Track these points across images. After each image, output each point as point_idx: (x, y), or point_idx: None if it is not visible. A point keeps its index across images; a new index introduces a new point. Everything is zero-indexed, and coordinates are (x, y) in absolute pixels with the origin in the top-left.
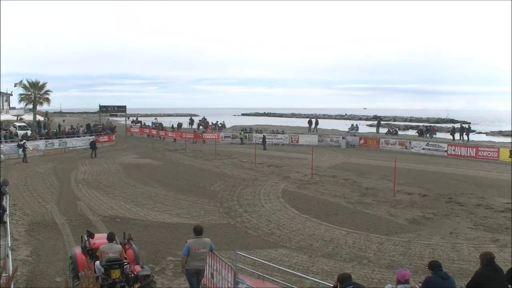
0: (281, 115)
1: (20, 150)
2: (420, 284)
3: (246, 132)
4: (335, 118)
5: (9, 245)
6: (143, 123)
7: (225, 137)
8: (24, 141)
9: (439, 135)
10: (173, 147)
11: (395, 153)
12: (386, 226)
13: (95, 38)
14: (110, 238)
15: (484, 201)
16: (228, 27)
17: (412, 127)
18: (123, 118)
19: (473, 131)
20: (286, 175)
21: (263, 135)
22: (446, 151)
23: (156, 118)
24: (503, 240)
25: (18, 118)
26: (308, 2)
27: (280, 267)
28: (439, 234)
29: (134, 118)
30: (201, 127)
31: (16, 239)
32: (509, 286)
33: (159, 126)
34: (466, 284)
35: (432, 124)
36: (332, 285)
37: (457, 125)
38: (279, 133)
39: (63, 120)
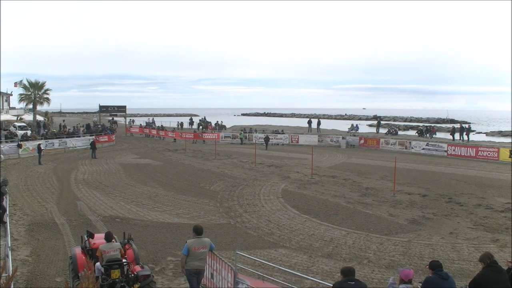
0: (281, 115)
1: (20, 150)
2: (421, 284)
3: (246, 132)
4: (335, 118)
5: (9, 245)
6: (118, 123)
7: (225, 137)
8: (40, 143)
9: (439, 135)
10: (173, 147)
11: (395, 153)
12: (386, 226)
13: (95, 38)
14: (108, 238)
15: (484, 201)
16: (228, 27)
17: (412, 127)
18: (122, 118)
19: (473, 131)
20: (286, 175)
21: (266, 135)
22: (446, 151)
23: (149, 119)
24: (503, 240)
25: (18, 118)
26: (308, 2)
27: (280, 267)
28: (439, 234)
29: (110, 118)
30: (201, 127)
31: (16, 239)
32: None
33: (152, 125)
34: (468, 284)
35: (432, 124)
36: (332, 285)
37: (457, 125)
38: (279, 133)
39: (63, 120)
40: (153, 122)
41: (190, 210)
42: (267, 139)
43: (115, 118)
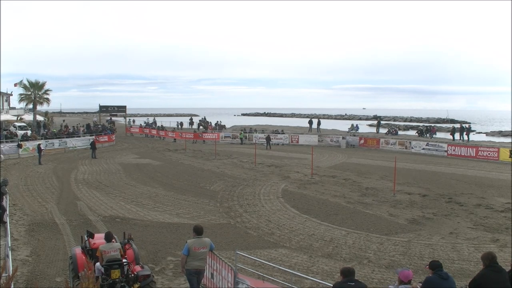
0: (281, 115)
1: (20, 150)
2: (421, 284)
3: (246, 132)
4: (335, 118)
5: (9, 245)
6: (115, 123)
7: (225, 137)
8: (40, 143)
9: (439, 135)
10: (173, 147)
11: (395, 153)
12: (386, 226)
13: (95, 38)
14: (108, 238)
15: (484, 201)
16: (228, 27)
17: (412, 127)
18: (122, 118)
19: (473, 131)
20: (286, 175)
21: (268, 135)
22: (446, 151)
23: (148, 119)
24: (503, 240)
25: (18, 118)
26: (308, 2)
27: (280, 267)
28: (439, 234)
29: (108, 118)
30: (201, 127)
31: (16, 239)
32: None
33: (152, 125)
34: (468, 283)
35: (432, 124)
36: (332, 285)
37: (457, 125)
38: (279, 133)
39: (63, 120)
40: (155, 122)
41: (190, 210)
42: (268, 139)
43: (113, 118)
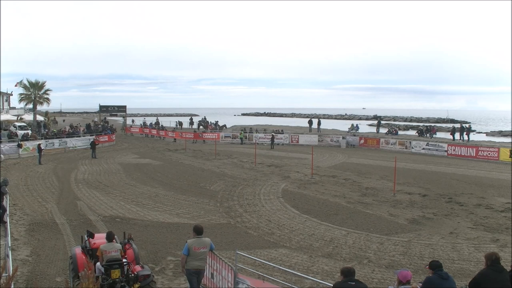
0: (281, 115)
1: (20, 150)
2: (421, 284)
3: (246, 132)
4: (335, 118)
5: (9, 245)
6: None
7: (225, 137)
8: (40, 143)
9: (439, 135)
10: (173, 147)
11: (395, 153)
12: (386, 226)
13: (95, 38)
14: (110, 237)
15: (484, 201)
16: (228, 27)
17: (412, 127)
18: (121, 118)
19: (473, 131)
20: (286, 175)
21: (272, 135)
22: (446, 151)
23: (145, 118)
24: (503, 240)
25: (18, 118)
26: (308, 2)
27: (280, 267)
28: (439, 234)
29: (103, 118)
30: (201, 127)
31: (16, 239)
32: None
33: (154, 126)
34: (469, 282)
35: (432, 124)
36: (332, 285)
37: (457, 125)
38: (279, 133)
39: (63, 120)
40: (157, 122)
41: (190, 210)
42: (273, 139)
43: (107, 118)
